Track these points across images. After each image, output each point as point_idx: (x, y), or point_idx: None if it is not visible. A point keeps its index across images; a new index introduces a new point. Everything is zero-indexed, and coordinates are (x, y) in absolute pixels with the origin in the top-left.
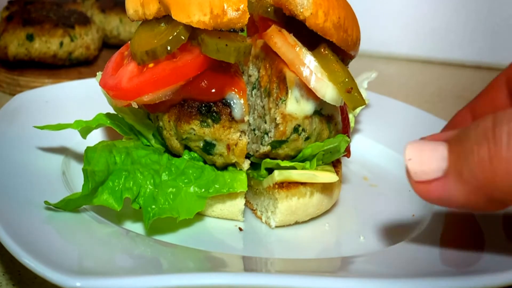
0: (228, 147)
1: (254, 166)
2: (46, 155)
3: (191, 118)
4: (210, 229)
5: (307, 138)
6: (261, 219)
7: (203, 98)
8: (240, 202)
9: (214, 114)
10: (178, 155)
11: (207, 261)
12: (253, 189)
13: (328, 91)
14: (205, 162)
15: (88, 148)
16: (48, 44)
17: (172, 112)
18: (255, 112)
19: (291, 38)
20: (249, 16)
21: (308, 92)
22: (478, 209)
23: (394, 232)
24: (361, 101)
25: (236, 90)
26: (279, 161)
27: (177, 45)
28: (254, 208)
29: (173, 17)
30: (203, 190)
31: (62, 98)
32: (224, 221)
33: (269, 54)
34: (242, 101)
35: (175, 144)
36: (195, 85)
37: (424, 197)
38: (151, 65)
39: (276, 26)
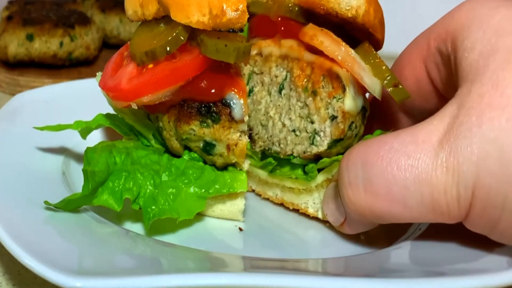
0: (228, 147)
1: (293, 166)
2: (46, 155)
3: (191, 119)
4: (210, 229)
5: (356, 135)
6: (316, 215)
7: (203, 99)
8: (240, 202)
9: (214, 114)
10: (178, 156)
11: (207, 261)
12: (295, 190)
13: (377, 87)
14: (205, 162)
15: (88, 149)
16: (48, 44)
17: (172, 113)
18: (292, 112)
19: (335, 37)
20: (247, 16)
21: (359, 89)
22: (374, 225)
23: (394, 232)
24: (406, 94)
25: (235, 90)
26: (336, 157)
27: (176, 46)
28: (303, 208)
29: (172, 17)
30: (203, 190)
31: (62, 98)
32: (224, 221)
33: (305, 53)
34: (242, 101)
35: (175, 144)
36: (195, 85)
37: (346, 233)
38: (150, 65)
39: (314, 25)
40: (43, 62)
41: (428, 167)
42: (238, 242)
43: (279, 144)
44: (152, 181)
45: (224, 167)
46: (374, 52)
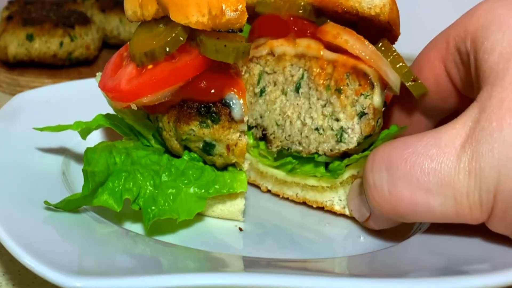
0: (228, 147)
1: (316, 164)
2: (46, 155)
3: (191, 119)
4: (210, 229)
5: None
6: (343, 212)
7: (203, 99)
8: (240, 202)
9: (213, 114)
10: (178, 156)
11: (207, 261)
12: (318, 187)
13: (398, 82)
14: (205, 163)
15: (88, 149)
16: (48, 44)
17: (172, 113)
18: (313, 111)
19: (357, 35)
20: (247, 16)
21: (382, 85)
22: (396, 223)
23: (394, 232)
24: (424, 88)
25: (235, 90)
26: (364, 153)
27: (175, 46)
28: (328, 205)
29: (171, 18)
30: (203, 190)
31: (62, 98)
32: (224, 221)
33: (325, 52)
34: (241, 101)
35: (175, 144)
36: (194, 86)
37: (370, 227)
38: (150, 66)
39: (335, 24)
40: (43, 62)
41: (451, 171)
42: (238, 242)
43: (300, 143)
44: (152, 182)
45: (224, 167)
46: (393, 48)
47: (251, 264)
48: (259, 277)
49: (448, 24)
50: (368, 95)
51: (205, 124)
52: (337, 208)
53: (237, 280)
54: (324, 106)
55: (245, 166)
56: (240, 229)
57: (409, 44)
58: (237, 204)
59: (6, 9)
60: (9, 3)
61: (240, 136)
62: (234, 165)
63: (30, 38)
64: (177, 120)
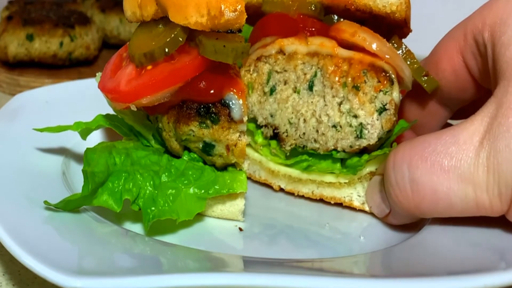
0: (228, 147)
1: (333, 161)
2: (46, 155)
3: (190, 120)
4: (210, 229)
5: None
6: (362, 208)
7: (202, 99)
8: (240, 202)
9: (213, 115)
10: (178, 156)
11: (207, 261)
12: (335, 184)
13: (411, 78)
14: (205, 163)
15: (87, 149)
16: (48, 44)
17: (171, 114)
18: (328, 109)
19: (373, 32)
20: (245, 16)
21: (397, 81)
22: (416, 219)
23: (394, 232)
24: (436, 83)
25: (234, 90)
26: (385, 149)
27: (175, 47)
28: (347, 201)
29: (171, 18)
30: (202, 191)
31: (62, 98)
32: (224, 221)
33: (339, 50)
34: (241, 101)
35: (175, 145)
36: (194, 86)
37: (389, 223)
38: (149, 67)
39: (351, 22)
40: (43, 62)
41: (470, 167)
42: (238, 242)
43: (316, 141)
44: (151, 182)
45: (224, 168)
46: (404, 44)
47: (251, 264)
48: (259, 277)
49: (452, 22)
50: (387, 91)
51: (204, 125)
52: (356, 204)
53: (237, 280)
54: (341, 103)
55: (245, 166)
56: (240, 229)
57: (409, 41)
58: (237, 204)
59: (6, 9)
60: (9, 3)
61: (239, 136)
62: (234, 165)
63: (30, 38)
64: (177, 120)
